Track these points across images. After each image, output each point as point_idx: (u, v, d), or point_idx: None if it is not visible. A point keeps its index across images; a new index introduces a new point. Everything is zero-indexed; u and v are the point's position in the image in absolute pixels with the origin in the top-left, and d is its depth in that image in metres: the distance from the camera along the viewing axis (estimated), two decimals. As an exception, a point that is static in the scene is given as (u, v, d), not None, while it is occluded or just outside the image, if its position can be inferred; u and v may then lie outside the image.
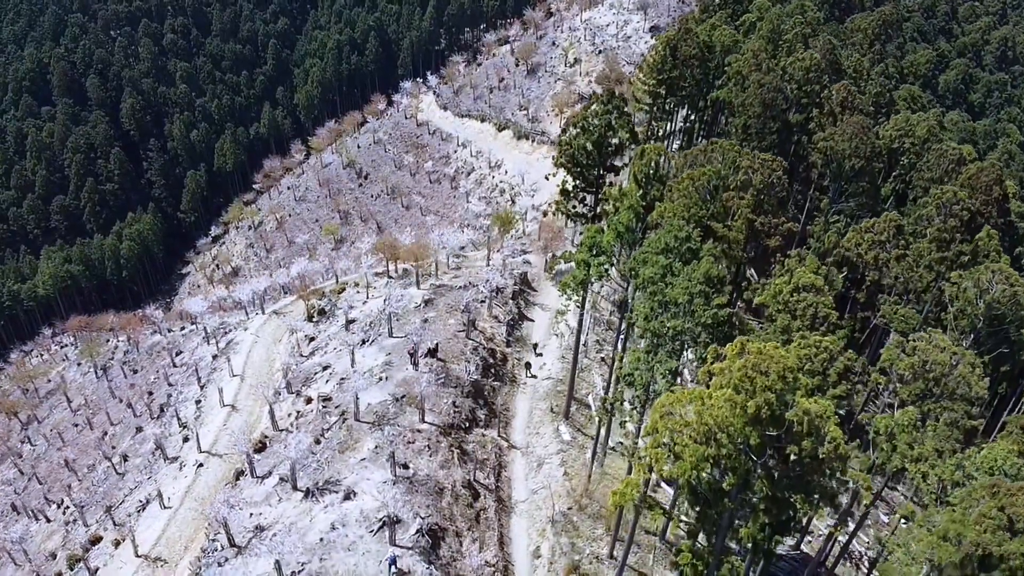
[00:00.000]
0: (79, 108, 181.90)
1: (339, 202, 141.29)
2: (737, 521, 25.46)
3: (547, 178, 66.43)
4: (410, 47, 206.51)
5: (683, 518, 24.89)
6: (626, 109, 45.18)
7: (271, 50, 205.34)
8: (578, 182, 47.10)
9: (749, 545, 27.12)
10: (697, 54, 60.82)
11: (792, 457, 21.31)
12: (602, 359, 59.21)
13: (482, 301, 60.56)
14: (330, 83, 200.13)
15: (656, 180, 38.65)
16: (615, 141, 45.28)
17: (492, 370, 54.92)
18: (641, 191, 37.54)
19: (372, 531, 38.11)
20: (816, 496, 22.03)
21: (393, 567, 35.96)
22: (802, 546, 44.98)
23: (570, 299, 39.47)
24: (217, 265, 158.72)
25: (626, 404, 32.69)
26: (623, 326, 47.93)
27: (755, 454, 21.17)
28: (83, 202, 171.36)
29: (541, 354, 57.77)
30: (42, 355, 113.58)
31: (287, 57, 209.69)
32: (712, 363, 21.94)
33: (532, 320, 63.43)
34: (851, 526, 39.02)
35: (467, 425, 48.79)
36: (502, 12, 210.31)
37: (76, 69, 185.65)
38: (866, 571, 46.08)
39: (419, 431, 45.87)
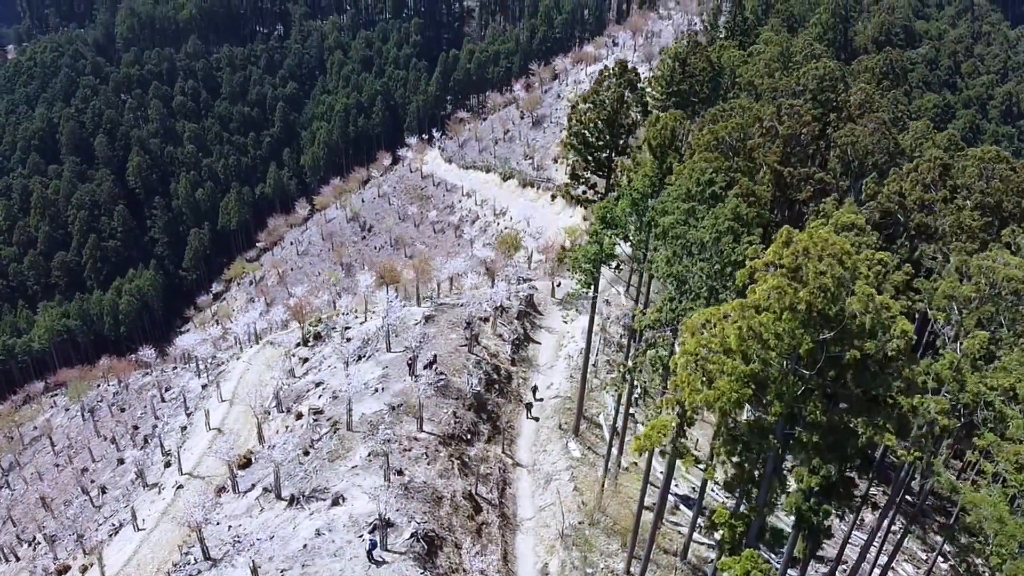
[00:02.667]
0: (86, 166, 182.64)
1: (341, 254, 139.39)
2: (779, 488, 21.93)
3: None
4: (416, 111, 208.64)
5: (718, 471, 21.26)
6: (640, 85, 43.22)
7: (279, 113, 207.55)
8: (588, 160, 44.64)
9: (793, 517, 23.47)
10: (706, 67, 59.57)
11: (851, 369, 17.98)
12: (613, 379, 55.68)
13: (485, 319, 57.50)
14: (336, 145, 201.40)
15: (672, 149, 36.24)
16: (627, 122, 43.13)
17: (496, 386, 51.44)
18: (657, 161, 35.11)
19: (361, 535, 34.15)
20: (882, 420, 18.55)
21: (372, 554, 32.34)
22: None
23: (581, 285, 36.46)
24: (216, 321, 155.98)
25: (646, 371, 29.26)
26: (631, 349, 44.79)
27: (807, 366, 17.88)
28: (84, 258, 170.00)
29: (542, 399, 52.67)
30: (31, 404, 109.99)
31: (295, 120, 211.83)
32: (753, 262, 18.85)
33: (538, 342, 60.18)
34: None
35: (468, 438, 45.08)
36: (507, 78, 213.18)
37: (85, 129, 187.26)
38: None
39: (416, 439, 42.22)
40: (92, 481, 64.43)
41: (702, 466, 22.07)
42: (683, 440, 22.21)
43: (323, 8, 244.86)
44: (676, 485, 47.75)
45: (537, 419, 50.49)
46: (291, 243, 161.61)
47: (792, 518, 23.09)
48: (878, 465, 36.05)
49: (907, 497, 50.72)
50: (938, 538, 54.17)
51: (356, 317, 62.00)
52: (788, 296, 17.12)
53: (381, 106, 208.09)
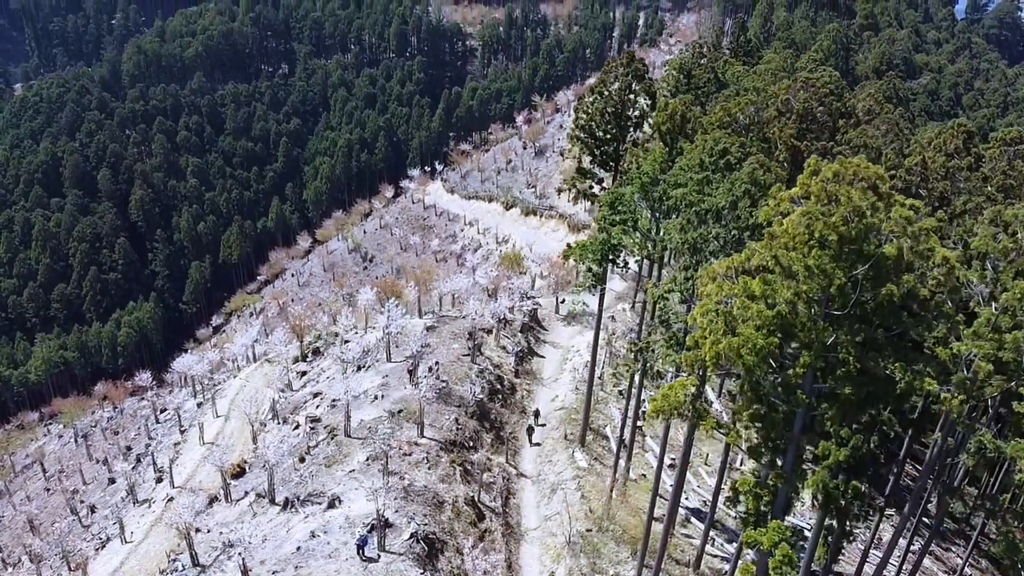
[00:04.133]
0: (88, 200, 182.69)
1: (343, 284, 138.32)
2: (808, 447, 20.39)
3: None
4: (419, 147, 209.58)
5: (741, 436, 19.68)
6: (648, 75, 42.42)
7: (282, 148, 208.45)
8: (595, 154, 43.58)
9: (819, 498, 21.93)
10: (711, 79, 59.03)
11: (887, 309, 16.57)
12: (619, 392, 54.14)
13: (488, 331, 56.11)
14: (339, 179, 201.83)
15: (682, 135, 35.25)
16: (635, 115, 42.22)
17: (499, 396, 49.86)
18: (667, 148, 34.10)
19: (365, 559, 32.32)
20: (922, 364, 17.12)
21: (363, 549, 30.55)
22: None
23: (587, 282, 35.18)
24: (215, 346, 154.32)
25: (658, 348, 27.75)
26: (640, 367, 43.34)
27: (838, 308, 16.47)
28: (84, 291, 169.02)
29: (544, 424, 49.97)
30: (24, 431, 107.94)
31: (298, 155, 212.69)
32: (779, 195, 17.58)
33: (543, 356, 58.69)
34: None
35: (471, 445, 43.39)
36: (510, 114, 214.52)
37: (88, 163, 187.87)
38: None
39: (417, 444, 40.57)
40: (81, 501, 62.36)
41: (723, 431, 20.58)
42: (704, 404, 20.71)
43: (328, 48, 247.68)
44: (687, 498, 46.00)
45: (539, 444, 47.48)
46: (292, 275, 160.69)
47: (811, 527, 21.50)
48: (893, 487, 34.46)
49: (924, 519, 48.76)
50: (958, 560, 52.11)
51: (356, 331, 60.62)
52: (819, 225, 15.85)
53: (384, 142, 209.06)
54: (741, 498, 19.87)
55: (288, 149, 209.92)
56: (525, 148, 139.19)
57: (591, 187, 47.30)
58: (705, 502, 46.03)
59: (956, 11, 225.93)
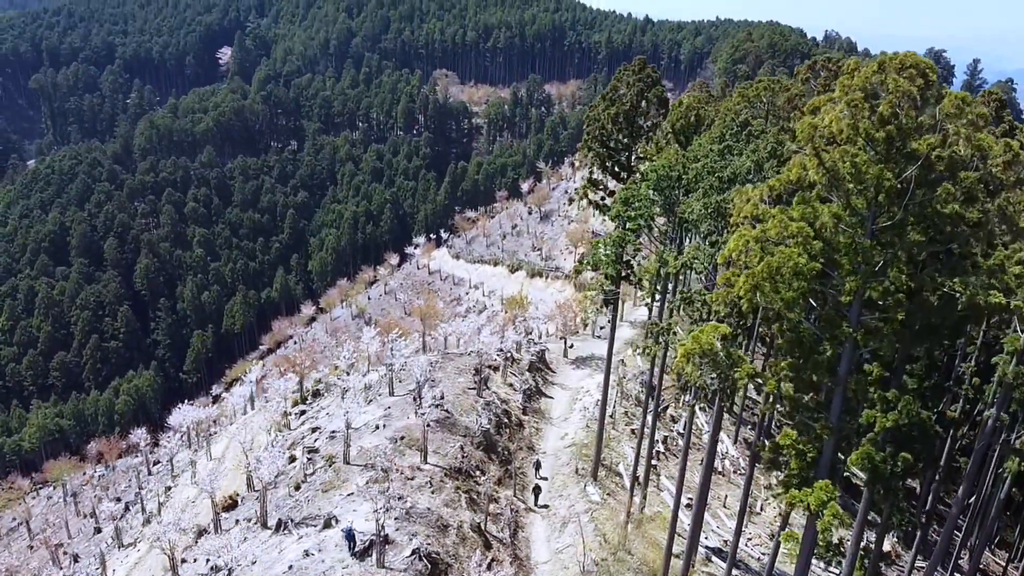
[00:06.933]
0: (94, 268, 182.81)
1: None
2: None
3: (577, 272, 59.01)
4: (425, 218, 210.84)
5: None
6: (662, 83, 41.65)
7: (289, 220, 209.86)
8: (606, 166, 42.44)
9: (866, 476, 19.90)
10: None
11: (941, 220, 14.91)
12: (632, 431, 51.83)
13: (495, 368, 54.20)
14: (344, 250, 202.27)
15: (696, 134, 34.19)
16: (647, 124, 41.30)
17: (506, 430, 47.57)
18: (680, 147, 33.05)
19: (356, 553, 29.84)
20: (985, 276, 15.33)
21: (351, 541, 29.15)
22: None
23: (601, 286, 33.58)
24: (215, 421, 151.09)
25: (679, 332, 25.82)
26: (651, 405, 41.50)
27: (887, 218, 14.79)
28: (84, 359, 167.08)
29: (547, 478, 45.56)
30: (11, 490, 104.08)
31: (304, 227, 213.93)
32: (817, 98, 16.13)
33: (551, 397, 56.52)
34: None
35: (477, 476, 40.94)
36: (515, 187, 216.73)
37: (96, 232, 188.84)
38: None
39: (420, 469, 38.22)
40: (65, 553, 59.16)
41: (759, 381, 18.59)
42: (739, 351, 18.81)
43: (336, 124, 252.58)
44: (706, 537, 43.22)
45: (547, 507, 42.16)
46: (295, 342, 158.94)
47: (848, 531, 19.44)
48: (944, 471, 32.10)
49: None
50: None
51: (358, 371, 58.71)
52: (863, 117, 14.33)
53: (390, 214, 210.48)
54: (782, 458, 17.83)
55: (295, 221, 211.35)
56: (531, 213, 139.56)
57: (603, 198, 46.34)
58: (726, 541, 43.27)
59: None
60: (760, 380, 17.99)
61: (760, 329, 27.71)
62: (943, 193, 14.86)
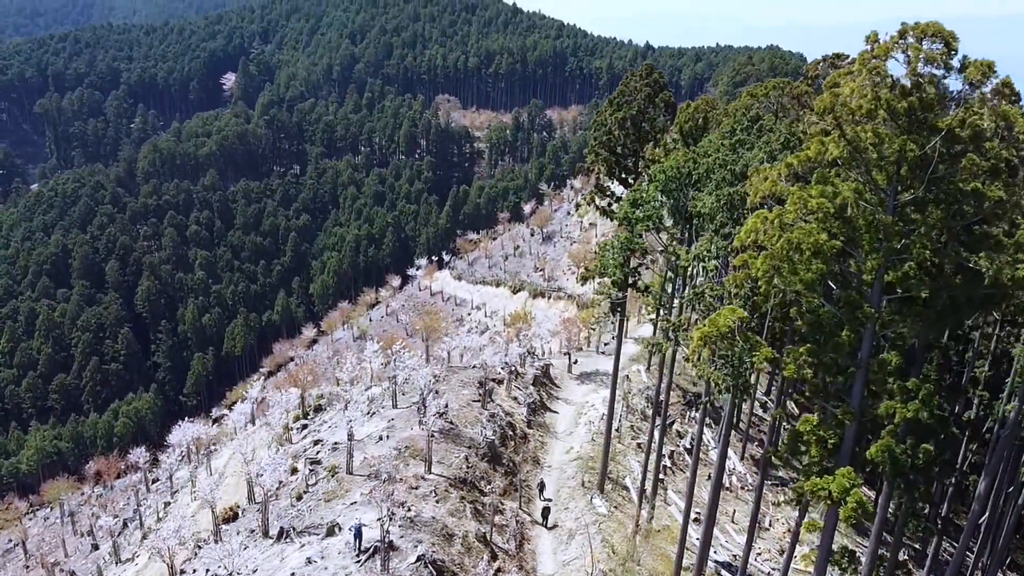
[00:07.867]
0: (95, 290, 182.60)
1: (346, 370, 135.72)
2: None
3: (583, 280, 58.31)
4: (427, 241, 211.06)
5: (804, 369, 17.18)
6: (667, 88, 41.62)
7: (291, 242, 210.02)
8: (613, 170, 42.22)
9: (886, 468, 19.38)
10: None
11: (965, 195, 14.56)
12: (638, 445, 51.20)
13: (499, 381, 53.67)
14: (346, 273, 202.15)
15: (704, 136, 33.94)
16: (654, 128, 41.14)
17: (511, 442, 46.93)
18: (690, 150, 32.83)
19: (359, 561, 29.20)
20: (1011, 251, 14.93)
21: (359, 539, 28.78)
22: None
23: (608, 289, 33.21)
24: (214, 441, 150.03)
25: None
26: (657, 421, 40.99)
27: (909, 192, 14.44)
28: (84, 381, 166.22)
29: (551, 499, 42.97)
30: (7, 511, 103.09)
31: (306, 250, 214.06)
32: (836, 72, 15.93)
33: (556, 412, 55.89)
34: None
35: (482, 487, 40.28)
36: (516, 210, 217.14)
37: (98, 254, 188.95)
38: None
39: (425, 479, 37.63)
40: (61, 570, 58.23)
41: (778, 365, 18.14)
42: (755, 336, 18.37)
43: (339, 148, 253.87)
44: (715, 552, 42.47)
45: (556, 526, 40.94)
46: (296, 364, 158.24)
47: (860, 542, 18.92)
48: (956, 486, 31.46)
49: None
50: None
51: (361, 383, 58.21)
52: (885, 92, 14.00)
53: (392, 237, 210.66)
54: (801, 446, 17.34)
55: (296, 244, 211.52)
56: (533, 235, 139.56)
57: (609, 204, 46.07)
58: (735, 556, 42.55)
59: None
60: (779, 364, 17.57)
61: (775, 325, 27.31)
62: (968, 164, 14.56)
